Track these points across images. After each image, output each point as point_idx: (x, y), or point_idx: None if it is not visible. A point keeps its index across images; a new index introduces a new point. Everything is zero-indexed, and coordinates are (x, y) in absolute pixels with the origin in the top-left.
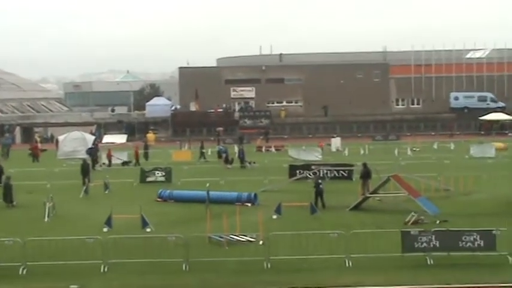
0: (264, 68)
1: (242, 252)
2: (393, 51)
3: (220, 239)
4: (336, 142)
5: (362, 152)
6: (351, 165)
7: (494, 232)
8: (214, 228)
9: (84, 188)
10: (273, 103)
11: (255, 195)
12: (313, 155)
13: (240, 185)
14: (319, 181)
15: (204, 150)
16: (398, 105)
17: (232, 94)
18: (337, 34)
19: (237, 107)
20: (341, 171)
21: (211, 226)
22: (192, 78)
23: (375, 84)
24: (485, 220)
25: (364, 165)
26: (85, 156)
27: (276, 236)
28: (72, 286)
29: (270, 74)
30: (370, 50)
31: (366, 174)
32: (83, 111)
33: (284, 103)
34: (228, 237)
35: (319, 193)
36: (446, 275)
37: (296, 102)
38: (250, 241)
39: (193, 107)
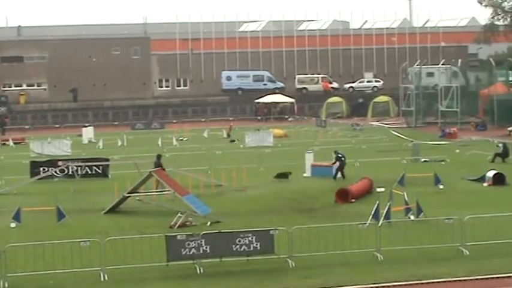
0: None
1: None
2: (155, 22)
3: None
4: (87, 132)
5: (120, 143)
6: (106, 160)
7: (272, 232)
8: None
9: None
10: (10, 86)
11: None
12: (61, 149)
13: None
14: None
15: None
16: (162, 87)
17: None
18: (88, 3)
19: None
20: (94, 168)
21: None
22: None
23: (134, 62)
24: (262, 219)
25: (158, 157)
26: None
27: (15, 248)
28: None
29: (5, 51)
30: (128, 22)
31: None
32: None
33: (24, 86)
34: None
35: None
36: (218, 284)
37: (39, 85)
38: None
39: None
